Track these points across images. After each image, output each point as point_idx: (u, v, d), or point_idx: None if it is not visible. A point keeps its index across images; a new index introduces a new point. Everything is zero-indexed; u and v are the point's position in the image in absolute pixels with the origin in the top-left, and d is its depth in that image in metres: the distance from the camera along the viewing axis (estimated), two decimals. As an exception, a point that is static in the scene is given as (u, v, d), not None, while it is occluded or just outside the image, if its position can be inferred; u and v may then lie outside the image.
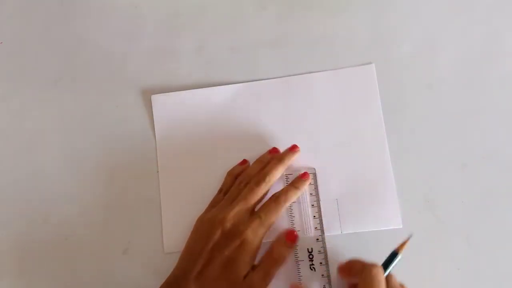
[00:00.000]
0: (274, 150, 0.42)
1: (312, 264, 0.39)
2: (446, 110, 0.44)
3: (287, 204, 0.39)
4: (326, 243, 0.40)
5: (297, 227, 0.40)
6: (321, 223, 0.40)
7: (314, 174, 0.42)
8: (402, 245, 0.37)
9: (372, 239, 0.41)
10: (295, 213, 0.41)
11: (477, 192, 0.42)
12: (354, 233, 0.41)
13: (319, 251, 0.40)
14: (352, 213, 0.41)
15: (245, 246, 0.36)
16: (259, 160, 0.42)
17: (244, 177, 0.40)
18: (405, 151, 0.42)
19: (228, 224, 0.37)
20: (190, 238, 0.39)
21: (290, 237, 0.39)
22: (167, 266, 0.37)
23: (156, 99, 0.44)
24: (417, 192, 0.42)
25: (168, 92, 0.44)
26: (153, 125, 0.44)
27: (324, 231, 0.40)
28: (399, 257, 0.36)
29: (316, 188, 0.41)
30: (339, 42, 0.45)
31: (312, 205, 0.41)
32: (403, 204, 0.42)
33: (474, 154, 0.43)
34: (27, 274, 0.42)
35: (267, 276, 0.36)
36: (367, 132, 0.43)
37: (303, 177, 0.41)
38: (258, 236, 0.37)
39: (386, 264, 0.36)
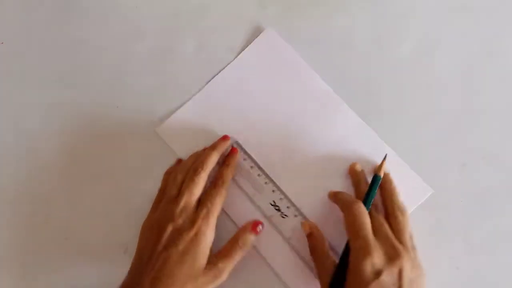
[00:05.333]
0: (225, 137, 0.43)
1: (282, 213, 0.41)
2: (446, 110, 0.44)
3: (227, 185, 0.40)
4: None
5: (250, 192, 0.42)
6: (267, 177, 0.42)
7: (237, 143, 0.43)
8: (380, 166, 0.39)
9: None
10: (242, 183, 0.42)
11: (476, 192, 0.42)
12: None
13: (281, 198, 0.42)
14: None
15: (199, 237, 0.36)
16: (191, 155, 0.42)
17: (179, 170, 0.40)
18: (404, 151, 0.42)
19: (178, 220, 0.37)
20: (140, 241, 0.38)
21: (255, 226, 0.39)
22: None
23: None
24: (417, 192, 0.42)
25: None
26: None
27: (274, 180, 0.42)
28: (380, 179, 0.39)
29: (245, 152, 0.43)
30: (339, 42, 0.45)
31: (251, 167, 0.42)
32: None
33: (474, 154, 0.43)
34: (27, 274, 0.42)
35: (231, 262, 0.37)
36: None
37: (231, 152, 0.42)
38: (210, 225, 0.37)
39: (370, 189, 0.38)
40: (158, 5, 0.47)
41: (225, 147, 0.42)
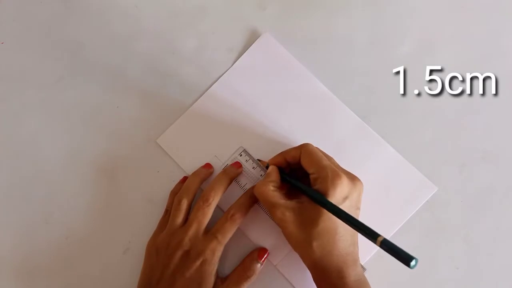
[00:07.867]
0: (208, 166, 0.42)
1: None
2: (446, 110, 0.44)
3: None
4: None
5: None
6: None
7: (245, 151, 0.42)
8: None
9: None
10: (247, 184, 0.42)
11: (476, 192, 0.42)
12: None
13: None
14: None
15: (206, 265, 0.37)
16: (195, 174, 0.41)
17: (185, 193, 0.40)
18: (404, 151, 0.42)
19: (186, 247, 0.37)
20: (146, 264, 0.39)
21: (261, 255, 0.40)
22: (167, 266, 0.37)
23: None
24: (417, 192, 0.42)
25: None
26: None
27: None
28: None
29: (254, 160, 0.42)
30: (338, 42, 0.45)
31: (261, 175, 0.42)
32: (403, 204, 0.42)
33: (474, 154, 0.43)
34: (28, 274, 0.42)
35: None
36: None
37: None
38: (217, 254, 0.37)
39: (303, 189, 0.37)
40: (158, 5, 0.47)
41: (237, 173, 0.41)
